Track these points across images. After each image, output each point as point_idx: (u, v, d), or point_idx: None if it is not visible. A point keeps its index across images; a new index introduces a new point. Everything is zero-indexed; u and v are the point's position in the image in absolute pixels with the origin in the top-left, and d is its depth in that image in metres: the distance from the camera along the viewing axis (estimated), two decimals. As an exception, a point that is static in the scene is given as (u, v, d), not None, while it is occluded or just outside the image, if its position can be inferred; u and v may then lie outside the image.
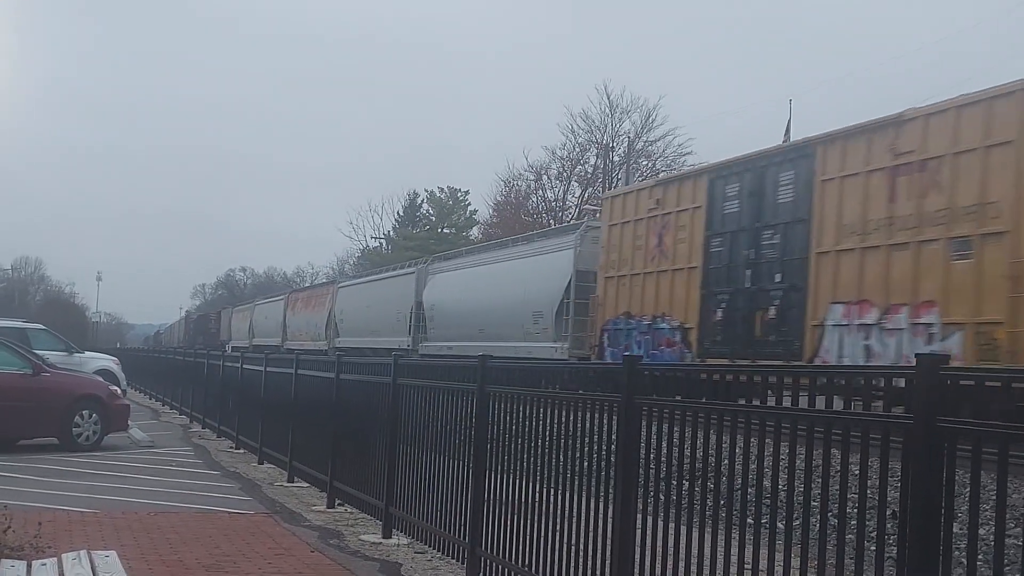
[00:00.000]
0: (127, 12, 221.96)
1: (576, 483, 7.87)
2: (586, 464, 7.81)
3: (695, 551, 6.18)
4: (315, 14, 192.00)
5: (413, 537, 11.34)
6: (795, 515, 5.41)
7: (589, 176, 69.57)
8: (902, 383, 4.91)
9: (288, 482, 16.43)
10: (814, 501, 5.34)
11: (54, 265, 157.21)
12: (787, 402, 5.63)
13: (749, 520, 5.75)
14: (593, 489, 7.62)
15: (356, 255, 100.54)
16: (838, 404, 5.36)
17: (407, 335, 42.01)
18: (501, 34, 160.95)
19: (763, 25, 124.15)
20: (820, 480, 5.32)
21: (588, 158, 69.96)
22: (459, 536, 9.90)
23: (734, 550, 5.83)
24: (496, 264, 37.11)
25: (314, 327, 56.63)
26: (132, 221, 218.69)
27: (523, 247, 36.68)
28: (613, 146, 67.63)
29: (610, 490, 7.32)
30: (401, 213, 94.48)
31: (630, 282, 26.72)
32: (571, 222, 48.31)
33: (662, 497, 6.74)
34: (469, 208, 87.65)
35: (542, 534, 8.21)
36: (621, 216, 27.68)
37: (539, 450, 8.58)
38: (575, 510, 7.75)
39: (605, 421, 7.54)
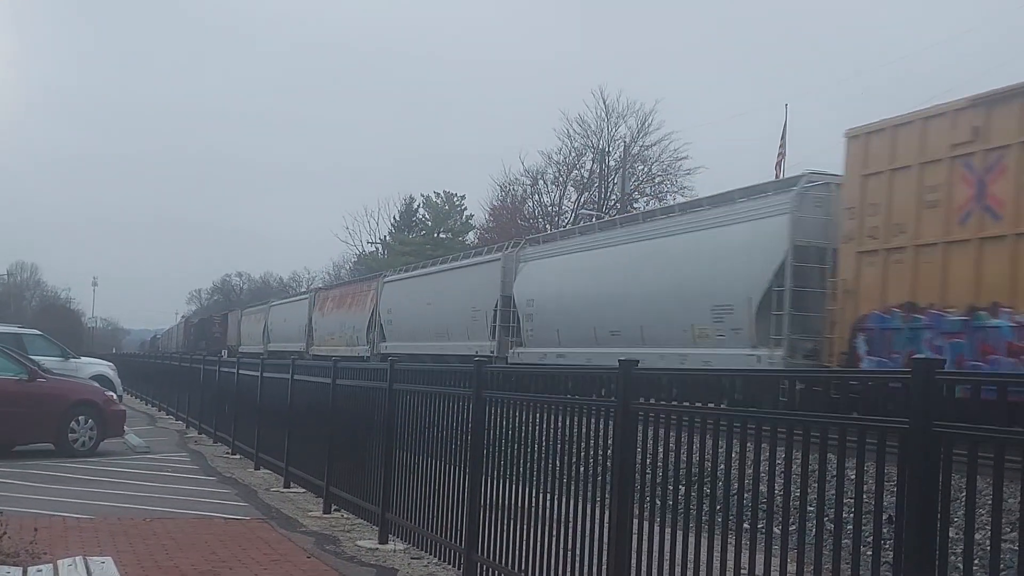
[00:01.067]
0: (124, 16, 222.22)
1: (573, 488, 7.86)
2: (583, 469, 7.80)
3: (691, 556, 6.18)
4: (314, 20, 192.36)
5: (410, 543, 11.32)
6: (792, 520, 5.41)
7: (585, 181, 69.61)
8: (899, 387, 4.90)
9: (284, 487, 16.41)
10: (810, 506, 5.34)
11: (50, 270, 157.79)
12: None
13: (746, 525, 5.75)
14: (590, 494, 7.62)
15: (352, 260, 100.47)
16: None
17: (489, 338, 34.16)
18: (497, 40, 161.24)
19: (759, 30, 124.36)
20: (817, 485, 5.31)
21: (584, 163, 70.03)
22: (455, 541, 9.89)
23: (731, 555, 5.83)
24: (641, 243, 27.36)
25: (351, 330, 49.48)
26: (128, 226, 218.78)
27: (692, 216, 26.15)
28: (609, 151, 67.67)
29: (607, 495, 7.32)
30: (397, 218, 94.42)
31: (914, 258, 18.37)
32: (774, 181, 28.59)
33: (659, 502, 6.74)
34: (465, 213, 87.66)
35: (538, 539, 8.21)
36: (889, 160, 19.12)
37: (536, 455, 8.57)
38: (572, 515, 7.74)
39: (602, 426, 7.53)
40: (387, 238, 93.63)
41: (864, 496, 5.01)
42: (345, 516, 13.62)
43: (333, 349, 48.66)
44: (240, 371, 21.80)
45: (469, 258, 39.93)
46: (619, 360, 7.38)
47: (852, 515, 5.11)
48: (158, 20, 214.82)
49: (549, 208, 71.29)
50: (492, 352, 32.92)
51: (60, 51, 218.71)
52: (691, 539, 6.18)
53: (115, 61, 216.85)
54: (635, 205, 60.71)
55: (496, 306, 33.90)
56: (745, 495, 5.80)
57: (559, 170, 70.53)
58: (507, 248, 35.97)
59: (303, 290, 65.95)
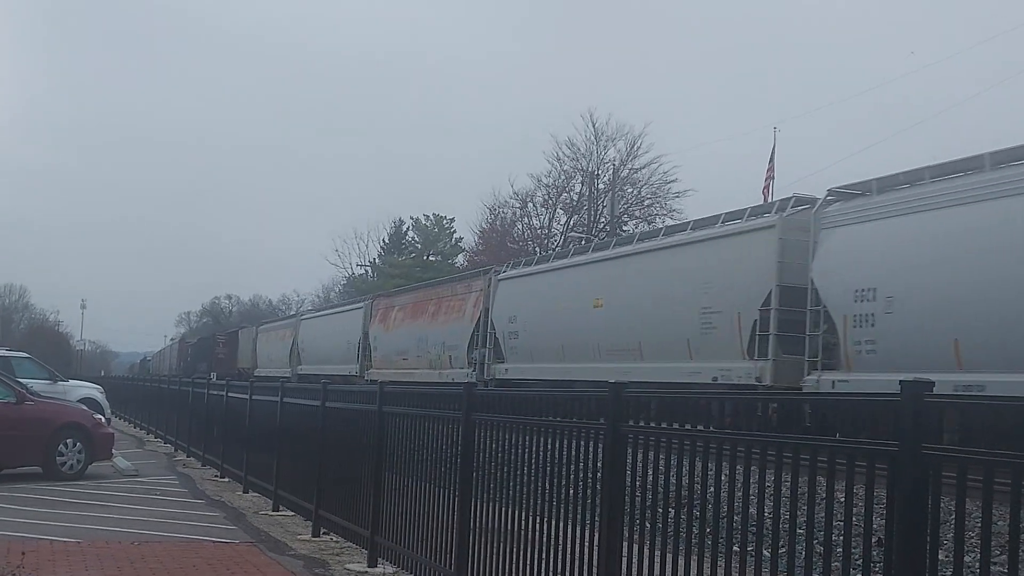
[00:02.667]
0: (115, 36, 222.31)
1: (562, 511, 7.85)
2: (572, 492, 7.79)
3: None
4: (305, 43, 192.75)
5: (399, 566, 11.29)
6: (781, 542, 5.40)
7: (574, 204, 69.70)
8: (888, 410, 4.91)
9: (273, 511, 16.35)
10: (800, 528, 5.34)
11: (39, 293, 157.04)
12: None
13: (735, 548, 5.74)
14: (579, 517, 7.60)
15: (342, 283, 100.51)
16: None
17: (744, 358, 22.53)
18: (487, 62, 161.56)
19: (748, 54, 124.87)
20: (806, 507, 5.32)
21: (573, 185, 70.19)
22: (445, 565, 9.86)
23: (720, 578, 5.82)
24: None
25: (437, 347, 38.61)
26: (117, 249, 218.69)
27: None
28: (598, 174, 67.76)
29: (596, 518, 7.31)
30: (386, 240, 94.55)
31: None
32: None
33: (648, 525, 6.73)
34: (454, 235, 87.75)
35: (528, 562, 8.19)
36: None
37: (525, 478, 8.56)
38: (561, 538, 7.73)
39: (591, 449, 7.53)
40: (376, 261, 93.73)
41: (853, 518, 5.01)
42: (334, 539, 13.57)
43: (408, 373, 39.73)
44: (229, 394, 21.76)
45: (669, 236, 27.83)
46: (608, 383, 7.39)
47: (841, 538, 5.11)
48: (149, 43, 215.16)
49: (538, 231, 71.41)
50: (750, 376, 22.27)
51: (50, 70, 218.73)
52: (681, 562, 6.17)
53: (105, 82, 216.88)
54: (624, 228, 60.81)
55: (752, 308, 22.68)
56: (735, 518, 5.80)
57: (548, 193, 70.71)
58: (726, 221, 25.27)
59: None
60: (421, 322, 40.81)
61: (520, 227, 72.54)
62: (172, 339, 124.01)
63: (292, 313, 61.54)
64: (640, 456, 6.91)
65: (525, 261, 37.03)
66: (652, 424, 6.97)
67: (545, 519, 8.05)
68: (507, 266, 37.05)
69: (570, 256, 33.20)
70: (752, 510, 5.69)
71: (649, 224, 61.09)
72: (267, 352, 65.21)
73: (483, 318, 35.57)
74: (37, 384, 26.41)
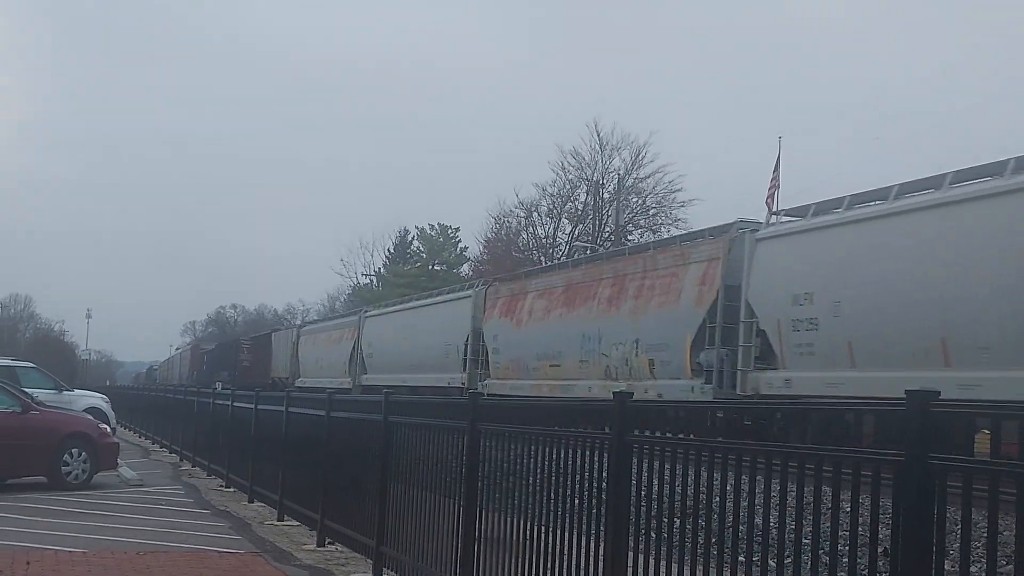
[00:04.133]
0: (119, 44, 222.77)
1: (568, 521, 7.84)
2: (577, 502, 7.78)
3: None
4: (309, 53, 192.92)
5: (404, 576, 11.28)
6: (787, 553, 5.39)
7: (579, 213, 69.70)
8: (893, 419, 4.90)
9: (278, 520, 16.35)
10: (805, 539, 5.32)
11: (44, 303, 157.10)
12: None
13: (741, 558, 5.73)
14: (585, 527, 7.59)
15: (347, 292, 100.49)
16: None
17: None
18: (492, 72, 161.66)
19: (753, 63, 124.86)
20: (811, 517, 5.30)
21: (578, 195, 70.14)
22: (450, 575, 9.84)
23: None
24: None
25: (617, 348, 27.63)
26: (122, 259, 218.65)
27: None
28: (603, 183, 67.82)
29: (602, 528, 7.29)
30: (392, 250, 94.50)
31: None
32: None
33: (653, 535, 6.72)
34: (460, 245, 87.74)
35: (533, 572, 8.18)
36: None
37: (530, 487, 8.55)
38: (566, 548, 7.71)
39: (596, 458, 7.51)
40: (382, 270, 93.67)
41: (860, 528, 4.99)
42: (339, 549, 13.56)
43: (567, 385, 29.40)
44: (234, 403, 21.79)
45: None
46: (614, 392, 7.38)
47: (848, 548, 5.10)
48: (153, 51, 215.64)
49: (543, 240, 71.37)
50: None
51: (56, 79, 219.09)
52: (687, 572, 6.15)
53: (110, 91, 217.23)
54: (629, 237, 60.80)
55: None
56: (740, 528, 5.79)
57: (553, 202, 70.67)
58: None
59: (464, 287, 43.00)
60: (585, 311, 29.47)
61: (525, 236, 72.56)
62: (178, 348, 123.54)
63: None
64: (646, 466, 6.90)
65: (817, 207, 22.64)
66: (658, 434, 6.96)
67: (550, 529, 8.04)
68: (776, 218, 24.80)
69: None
70: (757, 520, 5.67)
71: (654, 234, 61.06)
72: (313, 358, 56.46)
73: (721, 299, 24.04)
74: (42, 394, 26.41)
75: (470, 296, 38.36)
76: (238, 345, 75.42)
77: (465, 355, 37.02)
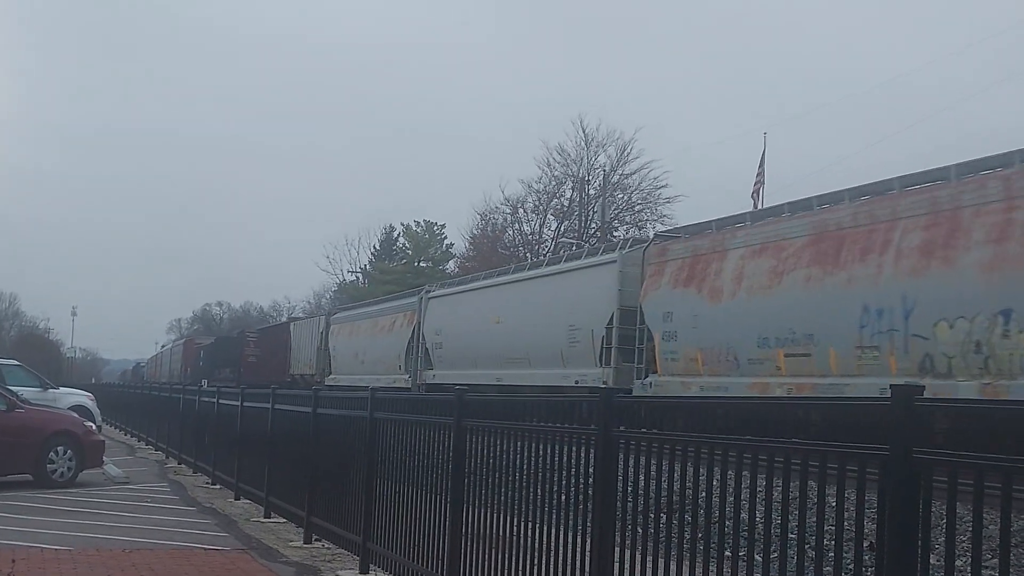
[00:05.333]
0: (106, 41, 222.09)
1: (554, 517, 7.85)
2: (564, 497, 7.79)
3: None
4: (294, 50, 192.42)
5: (391, 572, 11.27)
6: (773, 547, 5.41)
7: (565, 209, 69.76)
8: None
9: (265, 518, 16.33)
10: (792, 533, 5.34)
11: (29, 300, 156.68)
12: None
13: (727, 552, 5.75)
14: (571, 522, 7.60)
15: (332, 289, 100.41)
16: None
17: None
18: (477, 67, 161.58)
19: (737, 59, 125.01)
20: (797, 512, 5.32)
21: (564, 191, 70.18)
22: (437, 571, 9.85)
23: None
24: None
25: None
26: (108, 256, 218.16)
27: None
28: (589, 179, 67.85)
29: (588, 523, 7.31)
30: (377, 247, 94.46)
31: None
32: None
33: (640, 530, 6.73)
34: (445, 242, 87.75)
35: (519, 568, 8.19)
36: None
37: (517, 484, 8.56)
38: (553, 544, 7.73)
39: (583, 454, 7.53)
40: (368, 267, 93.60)
41: (845, 523, 5.01)
42: (326, 546, 13.56)
43: (723, 382, 22.46)
44: (220, 400, 21.75)
45: None
46: (599, 388, 7.39)
47: (833, 542, 5.12)
48: (141, 47, 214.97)
49: (529, 237, 71.39)
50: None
51: (35, 73, 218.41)
52: (673, 567, 6.17)
53: (94, 87, 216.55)
54: (615, 234, 60.87)
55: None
56: (727, 523, 5.80)
57: (539, 199, 70.69)
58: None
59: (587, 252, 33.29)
60: (865, 270, 19.61)
61: (511, 233, 72.59)
62: (164, 346, 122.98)
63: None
64: (632, 461, 6.92)
65: None
66: (644, 429, 6.98)
67: (537, 524, 8.06)
68: None
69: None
70: (743, 515, 5.69)
71: (640, 230, 61.12)
72: (350, 351, 47.98)
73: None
74: (27, 392, 26.38)
75: (614, 261, 27.84)
76: (243, 338, 67.59)
77: (607, 343, 27.01)
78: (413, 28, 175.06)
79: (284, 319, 79.68)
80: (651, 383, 24.60)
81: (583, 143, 68.00)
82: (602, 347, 27.32)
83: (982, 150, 18.33)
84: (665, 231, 29.42)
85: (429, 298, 40.31)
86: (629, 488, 6.92)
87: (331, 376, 48.98)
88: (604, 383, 25.55)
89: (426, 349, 39.37)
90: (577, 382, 27.98)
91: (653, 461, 6.67)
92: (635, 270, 26.91)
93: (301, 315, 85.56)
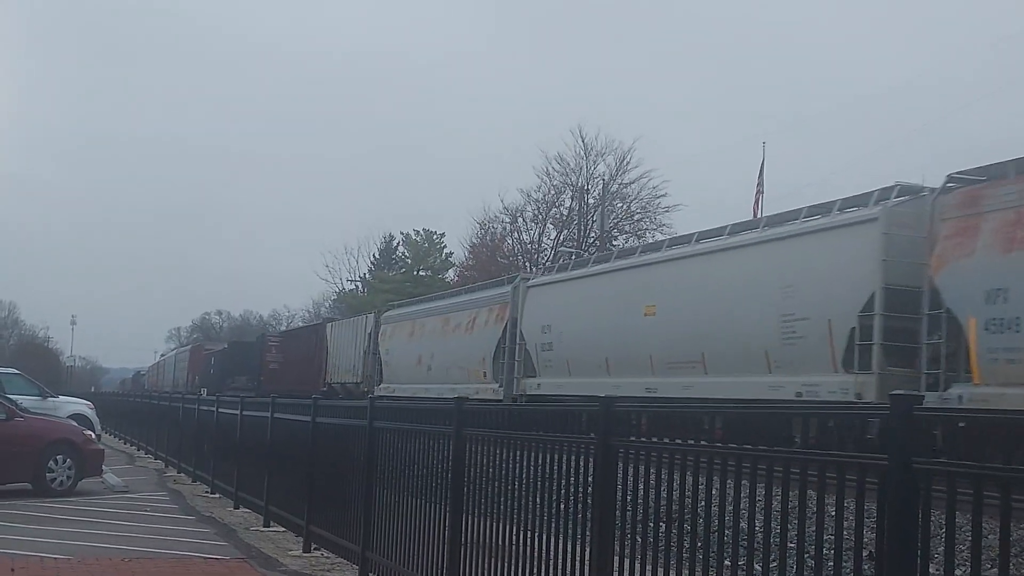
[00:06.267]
0: (104, 49, 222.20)
1: (553, 525, 7.85)
2: (563, 506, 7.79)
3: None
4: (288, 54, 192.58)
5: (390, 581, 11.27)
6: (772, 556, 5.41)
7: (564, 218, 69.76)
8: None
9: (264, 527, 16.32)
10: (791, 543, 5.34)
11: (28, 309, 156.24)
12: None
13: (726, 562, 5.75)
14: (571, 531, 7.60)
15: (332, 298, 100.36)
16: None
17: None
18: (476, 77, 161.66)
19: (737, 68, 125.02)
20: (798, 521, 5.32)
21: (563, 200, 70.20)
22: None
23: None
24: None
25: None
26: (107, 265, 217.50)
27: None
28: (588, 188, 67.87)
29: (587, 532, 7.31)
30: (377, 256, 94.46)
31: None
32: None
33: (639, 539, 6.73)
34: (445, 250, 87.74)
35: (519, 577, 8.19)
36: None
37: (516, 492, 8.56)
38: (552, 553, 7.72)
39: (582, 463, 7.53)
40: (367, 276, 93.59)
41: (844, 532, 5.01)
42: (325, 555, 13.55)
43: None
44: (219, 409, 21.75)
45: None
46: (599, 397, 7.39)
47: (833, 552, 5.12)
48: (139, 56, 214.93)
49: (528, 246, 71.44)
50: None
51: (40, 83, 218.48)
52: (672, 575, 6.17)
53: (92, 96, 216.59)
54: (614, 243, 60.87)
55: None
56: (726, 532, 5.81)
57: (538, 208, 70.72)
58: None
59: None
60: None
61: (510, 242, 72.61)
62: (163, 355, 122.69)
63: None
64: (631, 470, 6.92)
65: None
66: (643, 439, 6.98)
67: (536, 533, 8.05)
68: None
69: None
70: (743, 524, 5.69)
71: (639, 239, 61.09)
72: (410, 355, 40.35)
73: None
74: (27, 400, 26.37)
75: (873, 219, 19.89)
76: (263, 343, 61.65)
77: (861, 338, 19.39)
78: (412, 37, 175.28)
79: (262, 333, 73.96)
80: (961, 396, 16.55)
81: (582, 152, 68.09)
82: (849, 344, 19.60)
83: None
84: (961, 172, 18.41)
85: (529, 287, 32.65)
86: (628, 497, 6.92)
87: (383, 385, 42.27)
88: (857, 396, 18.82)
89: (527, 351, 31.70)
90: (801, 393, 20.39)
91: (652, 470, 6.67)
92: (910, 232, 19.10)
93: (300, 323, 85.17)
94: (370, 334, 45.09)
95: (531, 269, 54.68)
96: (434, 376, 37.51)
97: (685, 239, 27.18)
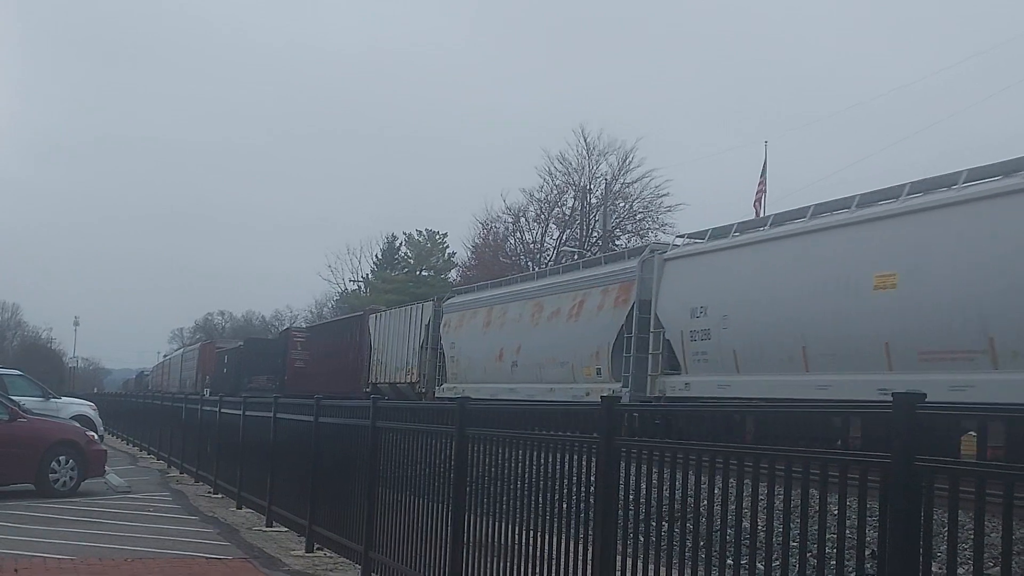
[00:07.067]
0: (107, 53, 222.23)
1: (556, 525, 7.85)
2: (566, 506, 7.79)
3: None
4: (295, 59, 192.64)
5: (392, 581, 11.27)
6: (775, 555, 5.41)
7: (567, 218, 69.76)
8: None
9: (267, 527, 16.33)
10: (793, 541, 5.34)
11: (31, 310, 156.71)
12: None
13: (729, 561, 5.74)
14: (573, 531, 7.60)
15: (334, 298, 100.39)
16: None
17: None
18: (479, 77, 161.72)
19: (739, 67, 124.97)
20: (799, 520, 5.32)
21: (566, 200, 70.18)
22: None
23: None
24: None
25: None
26: (109, 266, 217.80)
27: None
28: (590, 188, 67.86)
29: (590, 531, 7.30)
30: (379, 256, 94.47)
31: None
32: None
33: (642, 538, 6.73)
34: (447, 251, 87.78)
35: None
36: None
37: (519, 492, 8.55)
38: (555, 552, 7.72)
39: (584, 463, 7.52)
40: (369, 276, 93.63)
41: (847, 531, 5.01)
42: (328, 555, 13.55)
43: None
44: (222, 410, 21.76)
45: None
46: (601, 396, 7.39)
47: (835, 550, 5.11)
48: (141, 60, 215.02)
49: (531, 246, 71.43)
50: None
51: (38, 82, 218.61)
52: (675, 575, 6.16)
53: (96, 100, 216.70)
54: (617, 242, 60.84)
55: None
56: (728, 531, 5.80)
57: (541, 208, 70.72)
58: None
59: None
60: None
61: (512, 242, 72.61)
62: (166, 355, 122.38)
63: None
64: (634, 469, 6.91)
65: None
66: (646, 438, 6.97)
67: (539, 533, 8.05)
68: None
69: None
70: (745, 523, 5.68)
71: (642, 239, 61.05)
72: (488, 349, 33.63)
73: None
74: (30, 401, 26.38)
75: None
76: (287, 339, 56.45)
77: None
78: (416, 38, 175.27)
79: (286, 328, 70.59)
80: None
81: (584, 152, 68.08)
82: None
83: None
84: None
85: (667, 259, 25.76)
86: (631, 496, 6.92)
87: (447, 386, 35.81)
88: None
89: (666, 342, 24.82)
90: None
91: (655, 469, 6.67)
92: None
93: (303, 324, 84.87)
94: (427, 325, 38.55)
95: (533, 269, 54.51)
96: (522, 374, 31.28)
97: (940, 181, 18.68)
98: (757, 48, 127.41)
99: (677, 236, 25.40)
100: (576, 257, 41.15)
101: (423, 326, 38.87)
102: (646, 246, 29.03)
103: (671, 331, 24.55)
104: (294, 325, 70.65)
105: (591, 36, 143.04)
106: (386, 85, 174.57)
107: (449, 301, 39.05)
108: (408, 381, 39.27)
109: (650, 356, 25.29)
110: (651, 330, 25.28)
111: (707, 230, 25.20)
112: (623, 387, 25.57)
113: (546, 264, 59.44)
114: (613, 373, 26.62)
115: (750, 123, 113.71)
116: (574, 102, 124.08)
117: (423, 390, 37.42)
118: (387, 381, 41.33)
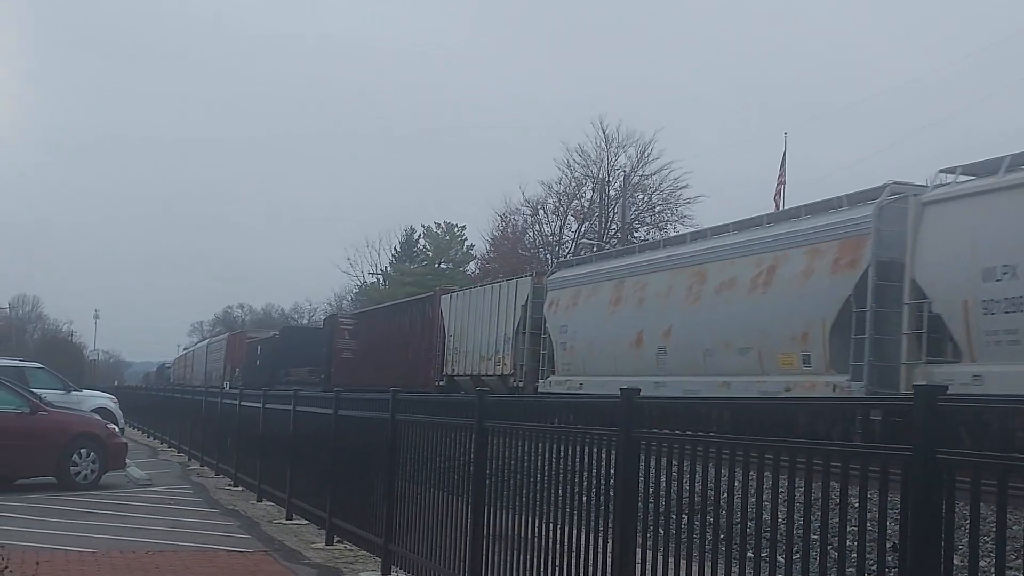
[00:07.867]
0: (121, 47, 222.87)
1: (576, 518, 7.84)
2: (585, 499, 7.78)
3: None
4: (311, 50, 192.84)
5: (412, 574, 11.27)
6: (796, 548, 5.39)
7: (585, 210, 69.62)
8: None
9: (287, 519, 16.37)
10: (814, 534, 5.32)
11: (51, 304, 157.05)
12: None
13: (750, 554, 5.73)
14: (593, 524, 7.59)
15: (353, 291, 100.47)
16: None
17: None
18: (497, 69, 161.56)
19: (759, 58, 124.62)
20: (820, 513, 5.30)
21: (584, 192, 70.02)
22: (458, 573, 9.84)
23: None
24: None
25: None
26: (129, 259, 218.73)
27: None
28: (609, 180, 67.70)
29: (610, 524, 7.29)
30: (398, 248, 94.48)
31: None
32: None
33: (662, 531, 6.72)
34: (466, 243, 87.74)
35: (541, 569, 8.18)
36: None
37: (538, 485, 8.55)
38: (574, 545, 7.72)
39: (604, 455, 7.51)
40: (388, 269, 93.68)
41: (868, 524, 4.99)
42: (348, 548, 13.57)
43: None
44: (242, 403, 21.82)
45: None
46: (620, 389, 7.37)
47: (856, 543, 5.10)
48: (157, 52, 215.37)
49: (550, 238, 71.30)
50: None
51: (57, 83, 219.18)
52: (695, 568, 6.15)
53: (115, 93, 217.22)
54: (635, 235, 60.72)
55: None
56: (749, 524, 5.79)
57: (559, 200, 70.55)
58: None
59: None
60: None
61: (531, 234, 72.52)
62: (187, 348, 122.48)
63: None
64: (653, 462, 6.90)
65: None
66: (666, 430, 6.96)
67: (558, 526, 8.05)
68: None
69: None
70: (766, 516, 5.67)
71: (661, 231, 60.90)
72: (614, 331, 27.21)
73: None
74: (51, 394, 26.46)
75: None
76: (333, 326, 51.67)
77: None
78: (434, 31, 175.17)
79: (330, 315, 65.33)
80: None
81: (603, 144, 67.82)
82: None
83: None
84: None
85: (929, 202, 18.72)
86: (651, 489, 6.91)
87: (555, 378, 30.18)
88: None
89: (933, 318, 18.12)
90: None
91: (674, 462, 6.65)
92: None
93: (322, 316, 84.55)
94: (525, 305, 32.39)
95: (551, 262, 54.39)
96: (673, 364, 24.67)
97: None
98: (779, 39, 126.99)
99: (939, 171, 18.53)
100: (595, 250, 40.47)
101: (519, 307, 32.73)
102: (884, 186, 20.24)
103: (943, 302, 17.87)
104: (340, 312, 65.02)
105: (611, 28, 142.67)
106: (404, 78, 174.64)
107: (556, 275, 32.70)
108: (498, 373, 33.32)
109: (905, 337, 18.46)
110: (905, 301, 18.57)
111: (989, 160, 18.00)
112: (850, 379, 19.35)
113: (565, 255, 59.24)
114: (832, 362, 20.09)
115: (770, 115, 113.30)
116: (593, 94, 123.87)
117: (519, 383, 31.78)
118: (468, 373, 35.54)
